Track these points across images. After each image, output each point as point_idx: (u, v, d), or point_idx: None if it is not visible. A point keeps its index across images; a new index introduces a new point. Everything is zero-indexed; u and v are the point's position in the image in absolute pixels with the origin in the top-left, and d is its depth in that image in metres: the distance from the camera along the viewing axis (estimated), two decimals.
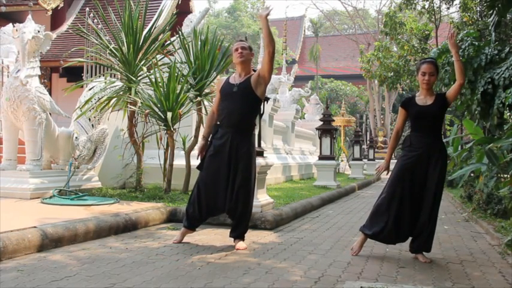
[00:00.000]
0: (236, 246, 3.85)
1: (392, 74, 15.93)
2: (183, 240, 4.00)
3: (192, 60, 6.46)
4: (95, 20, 8.19)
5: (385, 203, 3.72)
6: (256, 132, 5.22)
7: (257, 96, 3.90)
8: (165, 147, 6.46)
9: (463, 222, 5.95)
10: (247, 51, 3.93)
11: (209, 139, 3.99)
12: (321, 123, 10.35)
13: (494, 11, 6.76)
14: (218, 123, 3.97)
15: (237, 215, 3.88)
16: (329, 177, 9.97)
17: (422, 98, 3.78)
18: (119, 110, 6.57)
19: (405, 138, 3.86)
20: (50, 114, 6.26)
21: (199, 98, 6.33)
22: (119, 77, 6.82)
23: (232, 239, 3.96)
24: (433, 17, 15.07)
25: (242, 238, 3.95)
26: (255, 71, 3.99)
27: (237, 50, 3.93)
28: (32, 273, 2.91)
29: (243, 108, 3.84)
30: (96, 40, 6.49)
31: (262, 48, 14.58)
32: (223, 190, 3.83)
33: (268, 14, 3.70)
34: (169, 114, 5.89)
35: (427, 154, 3.66)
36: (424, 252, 3.71)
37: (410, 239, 3.79)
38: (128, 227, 4.48)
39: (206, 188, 3.87)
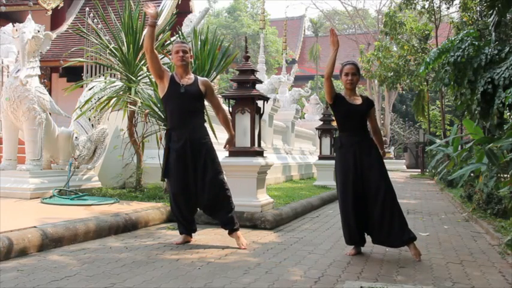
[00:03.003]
0: (237, 243, 3.88)
1: (392, 73, 15.93)
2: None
3: (192, 60, 6.44)
4: (95, 20, 8.19)
5: (341, 209, 3.80)
6: (256, 132, 5.24)
7: (204, 96, 3.98)
8: (165, 147, 6.45)
9: (463, 222, 5.94)
10: (188, 54, 3.92)
11: (168, 144, 4.00)
12: (321, 123, 10.34)
13: (494, 11, 6.77)
14: (169, 127, 4.00)
15: (219, 204, 3.89)
16: (329, 177, 9.95)
17: (349, 98, 3.85)
18: (118, 110, 6.56)
19: (335, 139, 3.94)
20: (50, 114, 6.26)
21: None
22: (119, 76, 6.82)
23: (232, 238, 3.96)
24: (433, 16, 15.07)
25: (237, 228, 3.94)
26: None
27: (177, 52, 3.88)
28: (32, 273, 2.92)
29: (190, 108, 3.89)
30: (96, 40, 6.49)
31: (262, 48, 14.59)
32: (195, 190, 3.86)
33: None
34: None
35: (359, 151, 3.75)
36: (421, 254, 3.70)
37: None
38: (128, 226, 4.49)
39: (181, 194, 3.88)
